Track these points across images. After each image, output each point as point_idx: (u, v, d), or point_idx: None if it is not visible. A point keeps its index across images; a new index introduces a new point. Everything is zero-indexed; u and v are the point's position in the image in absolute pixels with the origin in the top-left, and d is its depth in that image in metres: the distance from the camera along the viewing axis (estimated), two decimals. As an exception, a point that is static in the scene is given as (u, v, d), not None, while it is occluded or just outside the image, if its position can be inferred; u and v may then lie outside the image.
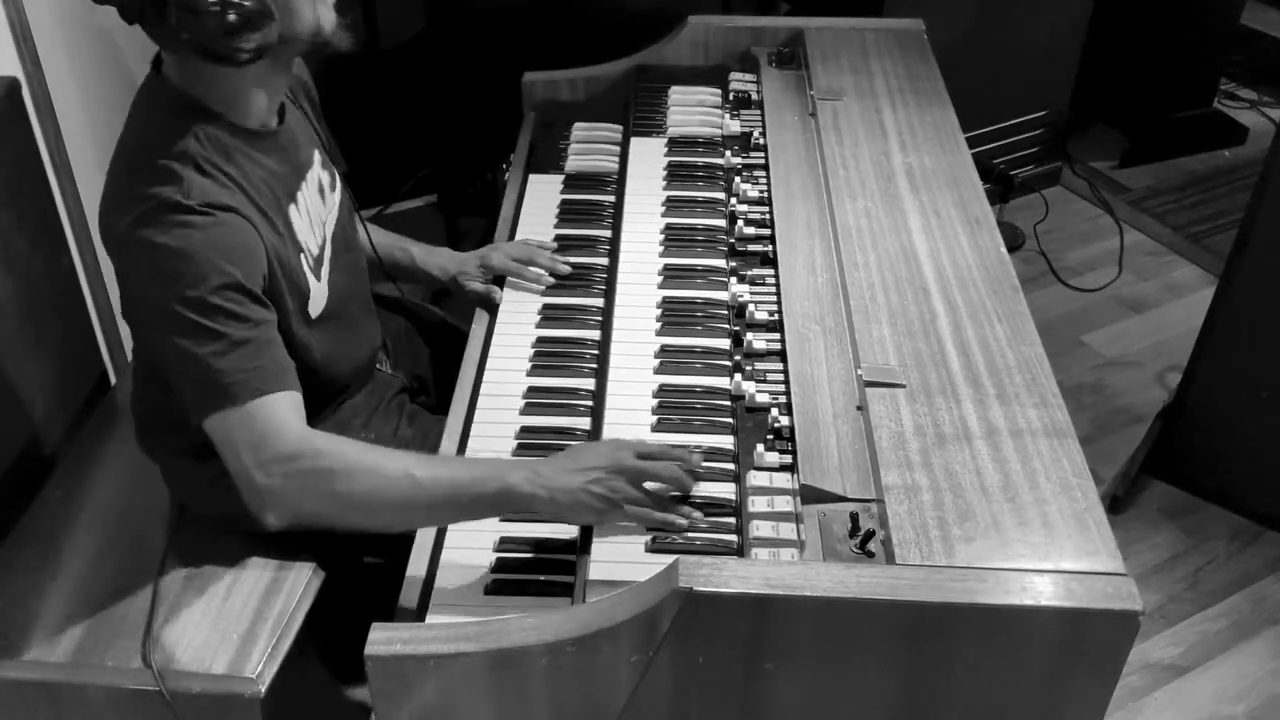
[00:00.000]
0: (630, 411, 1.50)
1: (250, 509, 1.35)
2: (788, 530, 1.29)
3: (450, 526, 1.38)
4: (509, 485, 1.30)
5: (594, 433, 1.50)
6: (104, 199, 1.38)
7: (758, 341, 1.56)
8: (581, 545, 1.34)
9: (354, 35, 1.43)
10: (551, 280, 1.79)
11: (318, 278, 1.52)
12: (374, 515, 1.34)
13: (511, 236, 1.90)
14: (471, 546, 1.36)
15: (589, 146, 2.10)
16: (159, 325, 1.33)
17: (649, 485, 1.34)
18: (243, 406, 1.31)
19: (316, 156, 1.59)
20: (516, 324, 1.72)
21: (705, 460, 1.42)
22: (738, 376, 1.52)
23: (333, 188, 1.63)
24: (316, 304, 1.51)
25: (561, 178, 2.03)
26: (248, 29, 1.28)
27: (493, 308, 1.76)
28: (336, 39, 1.41)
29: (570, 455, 1.36)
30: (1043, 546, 1.20)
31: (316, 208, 1.56)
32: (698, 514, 1.35)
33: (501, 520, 1.39)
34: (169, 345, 1.33)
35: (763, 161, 1.93)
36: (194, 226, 1.29)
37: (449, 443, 1.50)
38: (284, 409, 1.33)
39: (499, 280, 1.81)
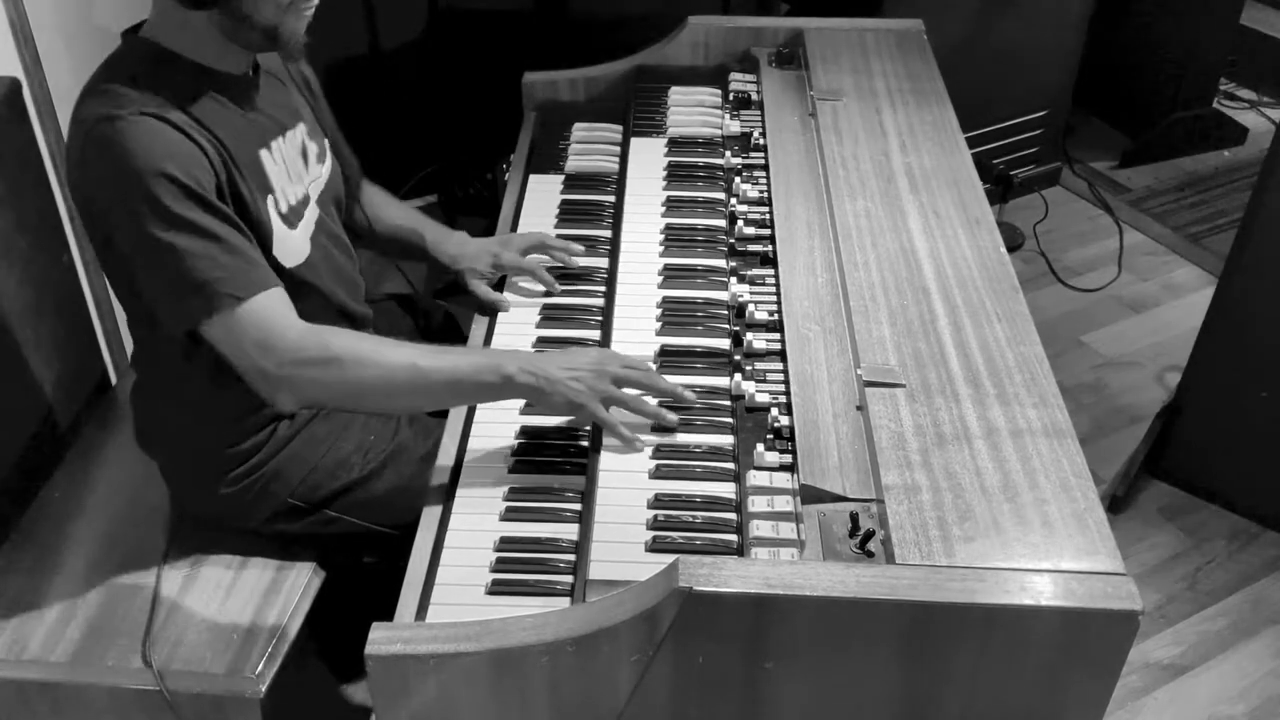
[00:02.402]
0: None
1: (261, 395, 1.45)
2: (788, 530, 1.29)
3: (451, 527, 1.39)
4: (507, 375, 1.44)
5: (595, 433, 1.49)
6: (66, 145, 1.44)
7: (758, 341, 1.56)
8: (581, 545, 1.35)
9: (305, 53, 1.50)
10: (559, 288, 1.77)
11: (290, 226, 1.54)
12: (379, 398, 1.48)
13: (512, 236, 1.90)
14: (472, 546, 1.36)
15: (589, 146, 2.10)
16: (129, 240, 1.38)
17: (629, 391, 1.47)
18: (232, 311, 1.38)
19: (302, 127, 1.62)
20: (517, 324, 1.72)
21: (705, 460, 1.43)
22: (738, 376, 1.52)
23: (320, 160, 1.66)
24: (291, 254, 1.52)
25: (561, 178, 2.03)
26: None
27: (494, 308, 1.76)
28: (288, 49, 1.46)
29: (564, 353, 1.51)
30: (1042, 546, 1.20)
31: (295, 164, 1.59)
32: (672, 416, 1.46)
33: (501, 520, 1.39)
34: (142, 258, 1.39)
35: (763, 161, 1.93)
36: (125, 133, 1.34)
37: (449, 442, 1.50)
38: (275, 306, 1.41)
39: (500, 280, 1.81)
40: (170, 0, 1.39)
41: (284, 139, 1.57)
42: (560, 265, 1.81)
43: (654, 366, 1.55)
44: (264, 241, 1.48)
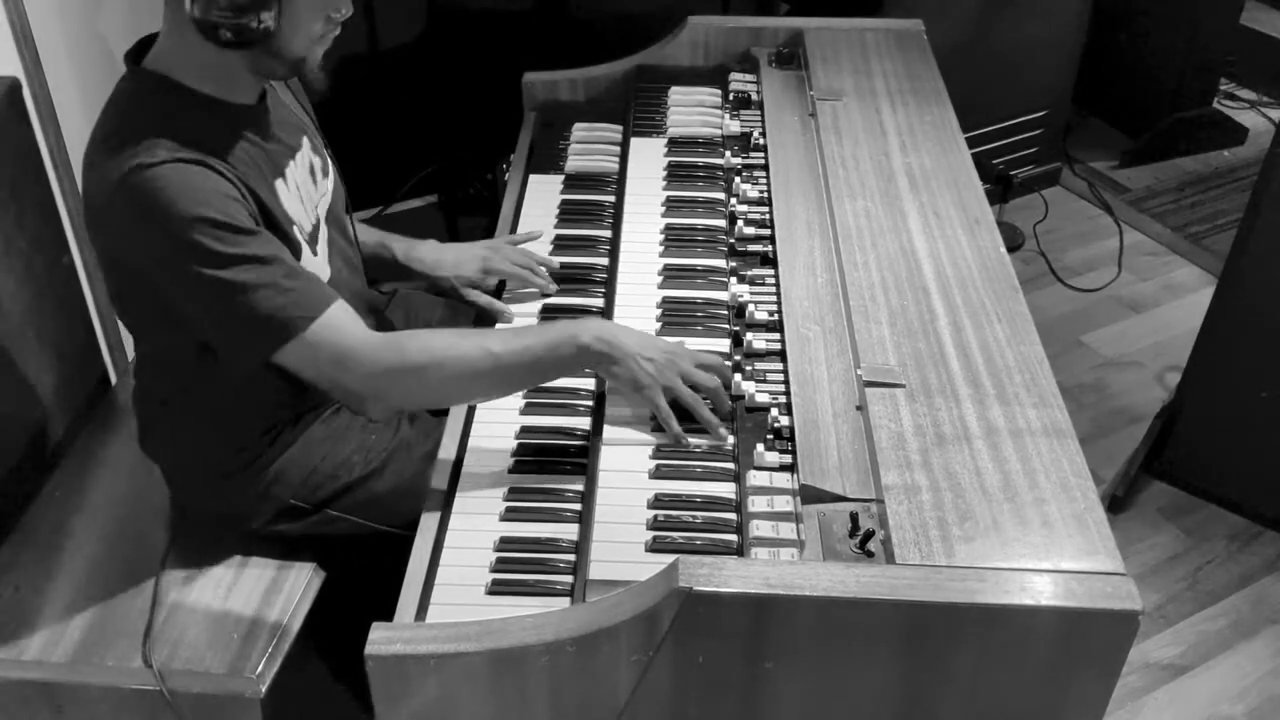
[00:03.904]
0: (632, 410, 1.50)
1: (349, 408, 1.53)
2: (788, 530, 1.29)
3: (451, 527, 1.39)
4: (583, 345, 1.45)
5: (595, 432, 1.50)
6: (84, 190, 1.41)
7: (758, 341, 1.56)
8: (581, 545, 1.35)
9: (325, 79, 1.50)
10: (554, 287, 1.77)
11: (314, 252, 1.53)
12: (465, 393, 1.51)
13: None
14: (471, 546, 1.36)
15: (589, 146, 2.10)
16: (184, 289, 1.36)
17: (690, 391, 1.47)
18: (303, 335, 1.38)
19: (306, 141, 1.60)
20: (517, 324, 1.72)
21: (705, 460, 1.43)
22: (738, 376, 1.52)
23: (325, 173, 1.64)
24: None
25: (561, 178, 2.03)
26: (250, 12, 1.31)
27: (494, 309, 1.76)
28: (311, 75, 1.47)
29: (642, 334, 1.52)
30: (1042, 546, 1.20)
31: (307, 187, 1.57)
32: (725, 433, 1.45)
33: (501, 520, 1.39)
34: (202, 304, 1.37)
35: (763, 161, 1.93)
36: (159, 182, 1.31)
37: (449, 442, 1.50)
38: (344, 320, 1.41)
39: (499, 286, 1.80)
40: (190, 34, 1.33)
41: (295, 162, 1.54)
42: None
43: (728, 365, 1.53)
44: None
